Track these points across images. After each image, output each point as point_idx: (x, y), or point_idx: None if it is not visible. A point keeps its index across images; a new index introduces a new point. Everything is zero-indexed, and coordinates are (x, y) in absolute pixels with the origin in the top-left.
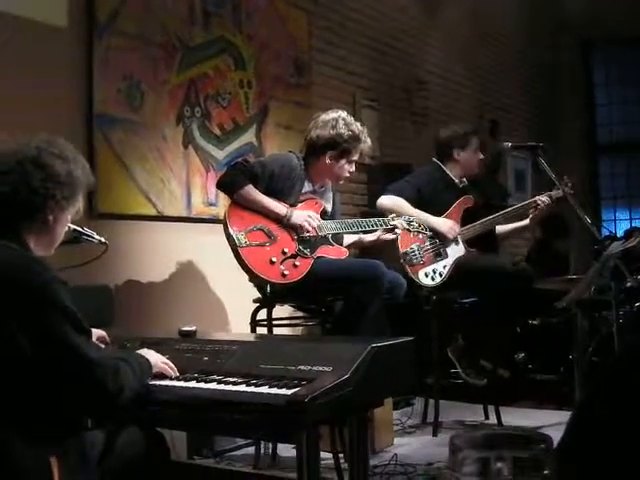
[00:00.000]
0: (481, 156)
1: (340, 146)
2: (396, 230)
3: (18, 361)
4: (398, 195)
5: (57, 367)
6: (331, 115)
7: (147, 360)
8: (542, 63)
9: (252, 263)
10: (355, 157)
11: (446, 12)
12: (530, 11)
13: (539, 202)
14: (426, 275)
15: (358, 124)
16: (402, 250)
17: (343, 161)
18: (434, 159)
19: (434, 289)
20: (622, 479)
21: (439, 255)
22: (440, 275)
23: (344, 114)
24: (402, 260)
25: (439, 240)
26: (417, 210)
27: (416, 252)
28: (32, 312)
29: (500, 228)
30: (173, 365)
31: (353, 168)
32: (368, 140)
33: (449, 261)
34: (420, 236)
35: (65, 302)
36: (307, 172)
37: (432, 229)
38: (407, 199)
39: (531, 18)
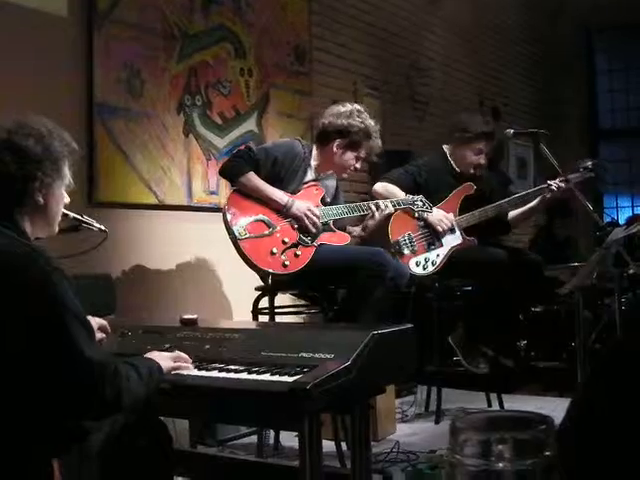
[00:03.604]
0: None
1: (349, 136)
2: (381, 211)
3: (16, 357)
4: (390, 182)
5: (53, 364)
6: (348, 107)
7: (158, 365)
8: (543, 50)
9: (252, 255)
10: (363, 154)
11: None
12: None
13: (551, 185)
14: (417, 264)
15: (372, 122)
16: (393, 239)
17: (350, 153)
18: (443, 146)
19: (436, 277)
20: (621, 461)
21: (432, 244)
22: (433, 264)
23: (362, 108)
24: (392, 250)
25: (431, 229)
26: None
27: (407, 241)
28: (30, 304)
29: (511, 214)
30: (186, 356)
31: (359, 165)
32: (379, 140)
33: (443, 250)
34: (414, 224)
35: (65, 295)
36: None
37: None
38: (401, 186)
39: (532, 5)
